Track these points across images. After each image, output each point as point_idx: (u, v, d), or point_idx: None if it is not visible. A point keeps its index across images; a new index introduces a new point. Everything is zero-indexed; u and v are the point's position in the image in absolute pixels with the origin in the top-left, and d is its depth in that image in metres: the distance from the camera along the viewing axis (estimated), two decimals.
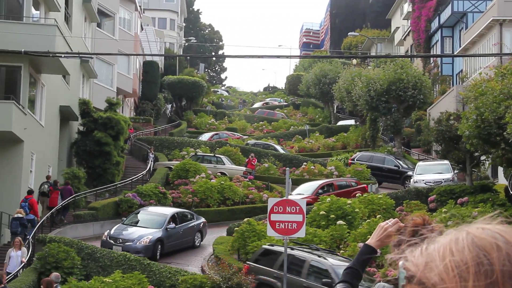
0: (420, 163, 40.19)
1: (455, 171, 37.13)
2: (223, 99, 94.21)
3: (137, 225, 27.02)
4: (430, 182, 35.47)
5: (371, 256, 3.99)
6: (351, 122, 64.03)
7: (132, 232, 26.21)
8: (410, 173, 40.42)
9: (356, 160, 43.96)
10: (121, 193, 34.20)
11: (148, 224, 26.87)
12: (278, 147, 50.40)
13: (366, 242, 4.03)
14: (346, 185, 35.45)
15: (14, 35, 27.76)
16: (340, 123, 65.54)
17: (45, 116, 32.08)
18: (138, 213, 28.62)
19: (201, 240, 29.74)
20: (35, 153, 30.37)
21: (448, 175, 36.31)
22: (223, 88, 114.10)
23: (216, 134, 57.16)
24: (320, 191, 34.17)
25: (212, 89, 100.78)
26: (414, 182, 36.82)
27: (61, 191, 30.55)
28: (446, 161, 38.25)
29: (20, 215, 24.92)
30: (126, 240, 25.31)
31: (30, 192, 27.60)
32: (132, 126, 48.55)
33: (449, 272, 1.48)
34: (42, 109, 31.73)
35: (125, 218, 28.19)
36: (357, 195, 32.13)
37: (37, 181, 30.07)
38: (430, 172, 37.26)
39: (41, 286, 17.04)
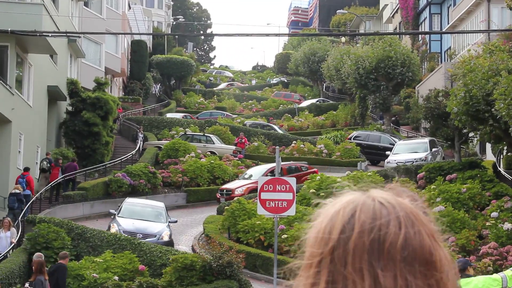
0: (399, 142, 40.07)
1: (434, 150, 36.92)
2: (212, 78, 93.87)
3: (139, 218, 25.24)
4: (402, 161, 35.24)
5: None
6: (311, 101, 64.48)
7: (147, 226, 24.70)
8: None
9: (353, 139, 43.78)
10: (110, 173, 34.13)
11: (151, 218, 25.46)
12: (276, 127, 50.27)
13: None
14: (295, 169, 33.95)
15: (0, 15, 27.45)
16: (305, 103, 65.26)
17: (33, 96, 31.86)
18: (131, 206, 26.41)
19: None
20: (23, 134, 30.19)
21: (421, 155, 35.98)
22: (212, 67, 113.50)
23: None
24: (269, 175, 32.97)
25: (206, 69, 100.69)
26: (387, 162, 36.56)
27: (67, 167, 31.58)
28: (425, 140, 38.28)
29: (17, 191, 25.40)
30: (147, 235, 24.06)
31: (27, 169, 28.00)
32: (121, 106, 48.32)
33: (310, 236, 1.52)
34: (29, 89, 31.49)
35: (114, 211, 25.80)
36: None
37: (26, 162, 29.92)
38: (406, 151, 37.04)
39: (32, 267, 17.00)
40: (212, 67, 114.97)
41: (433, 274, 1.43)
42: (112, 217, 25.71)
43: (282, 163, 34.25)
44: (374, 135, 44.27)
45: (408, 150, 37.31)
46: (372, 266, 1.42)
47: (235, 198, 28.11)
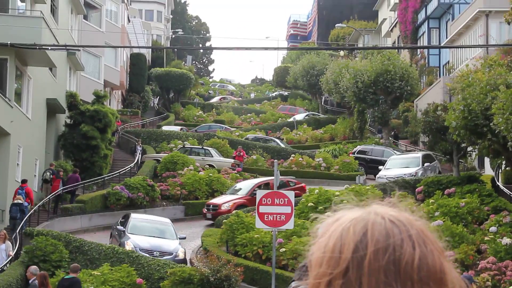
0: (392, 157, 39.78)
1: (426, 165, 36.52)
2: (211, 91, 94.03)
3: (151, 235, 24.74)
4: (391, 177, 34.90)
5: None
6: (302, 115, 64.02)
7: (161, 244, 24.30)
8: None
9: (357, 153, 43.49)
10: (109, 186, 34.08)
11: (161, 235, 24.97)
12: (278, 141, 50.14)
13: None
14: (283, 184, 32.43)
15: None
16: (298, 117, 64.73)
17: (32, 109, 31.89)
18: (139, 222, 25.80)
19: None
20: (22, 146, 30.20)
21: (412, 170, 35.66)
22: (211, 80, 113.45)
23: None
24: (256, 190, 32.63)
25: (206, 83, 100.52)
26: (378, 178, 36.20)
27: (69, 179, 32.20)
28: (418, 154, 38.06)
29: (19, 201, 25.96)
30: (164, 253, 23.73)
31: (24, 181, 28.30)
32: (119, 119, 48.37)
33: (315, 256, 1.49)
34: (28, 101, 31.52)
35: (120, 226, 25.36)
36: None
37: (24, 174, 29.91)
38: (398, 166, 36.73)
39: (29, 280, 16.87)
40: (211, 80, 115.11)
41: None
42: (117, 233, 25.13)
43: (270, 178, 33.49)
44: (378, 149, 43.99)
45: (400, 165, 37.00)
46: (390, 286, 1.41)
47: (230, 214, 27.83)
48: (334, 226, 1.51)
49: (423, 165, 36.51)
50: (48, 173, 31.71)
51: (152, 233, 24.94)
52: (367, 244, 1.44)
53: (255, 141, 48.26)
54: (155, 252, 23.62)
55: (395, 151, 43.05)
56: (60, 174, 31.87)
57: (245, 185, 33.50)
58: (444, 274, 1.45)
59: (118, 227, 25.66)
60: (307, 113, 66.68)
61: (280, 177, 35.06)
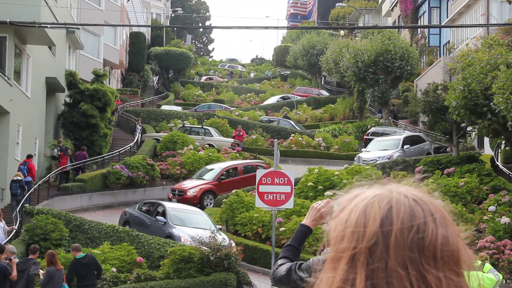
0: (376, 138, 39.07)
1: (406, 147, 35.59)
2: (212, 71, 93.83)
3: (196, 226, 23.08)
4: (366, 160, 34.37)
5: (307, 234, 4.34)
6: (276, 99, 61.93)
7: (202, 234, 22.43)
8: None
9: (370, 135, 42.22)
10: (108, 165, 34.14)
11: (204, 225, 23.10)
12: (293, 122, 49.56)
13: (302, 222, 4.39)
14: (251, 169, 31.69)
15: None
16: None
17: (31, 87, 31.82)
18: (177, 212, 24.26)
19: None
20: (21, 125, 30.18)
21: (389, 152, 35.00)
22: (224, 60, 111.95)
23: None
24: (223, 176, 31.37)
25: (219, 64, 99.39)
26: (354, 160, 35.35)
27: (76, 156, 32.66)
28: (400, 137, 37.59)
29: (19, 178, 26.04)
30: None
31: (29, 156, 28.67)
32: (119, 98, 48.29)
33: (336, 230, 1.52)
34: (28, 80, 31.45)
35: (161, 218, 23.70)
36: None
37: (24, 153, 29.92)
38: (378, 148, 36.13)
39: (44, 259, 16.68)
40: (210, 60, 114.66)
41: (462, 273, 1.49)
42: (150, 222, 23.94)
43: (237, 162, 33.31)
44: (389, 130, 43.27)
45: (380, 147, 36.35)
46: (416, 262, 1.44)
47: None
48: (354, 201, 1.53)
49: (402, 147, 35.88)
50: (55, 150, 32.18)
51: (195, 223, 23.42)
52: (392, 221, 1.46)
53: (269, 124, 47.58)
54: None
55: (406, 131, 42.12)
56: (68, 151, 32.35)
57: (213, 170, 32.09)
58: (460, 255, 1.50)
59: (147, 216, 24.21)
60: (282, 95, 63.98)
61: (249, 161, 34.19)
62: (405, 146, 36.10)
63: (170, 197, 30.46)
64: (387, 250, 1.44)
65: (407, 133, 39.48)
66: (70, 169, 32.49)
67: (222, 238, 21.23)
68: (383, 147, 36.40)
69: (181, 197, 29.73)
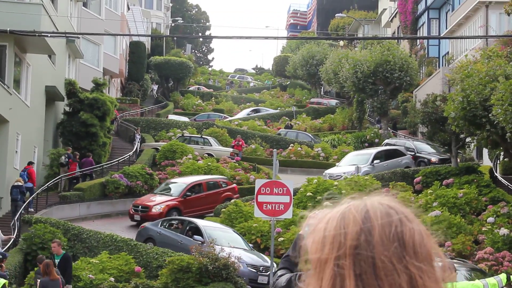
0: (353, 152, 38.63)
1: (376, 162, 34.88)
2: (211, 80, 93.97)
3: (237, 246, 21.92)
4: (332, 175, 33.67)
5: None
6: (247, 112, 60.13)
7: (258, 258, 21.84)
8: (426, 156, 37.86)
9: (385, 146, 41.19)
10: (107, 174, 34.10)
11: (240, 245, 22.31)
12: (311, 136, 48.52)
13: (299, 232, 4.33)
14: (215, 185, 30.98)
15: None
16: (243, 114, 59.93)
17: (31, 96, 31.83)
18: (213, 230, 23.15)
19: None
20: (20, 134, 30.17)
21: (352, 168, 34.01)
22: (234, 72, 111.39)
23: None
24: (189, 192, 29.95)
25: (230, 75, 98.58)
26: (323, 175, 34.03)
27: (83, 163, 33.14)
28: (372, 151, 36.89)
29: (19, 183, 26.54)
30: (267, 268, 20.96)
31: (30, 163, 29.35)
32: (118, 107, 48.31)
33: (316, 240, 1.54)
34: (27, 89, 31.46)
35: (198, 237, 22.40)
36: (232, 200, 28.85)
37: (23, 162, 29.91)
38: (349, 163, 35.51)
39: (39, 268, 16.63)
40: (210, 69, 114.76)
41: (434, 270, 1.53)
42: (182, 241, 22.78)
43: (202, 178, 31.73)
44: (401, 142, 42.28)
45: (351, 161, 35.69)
46: (399, 256, 1.48)
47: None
48: (328, 215, 1.56)
49: (372, 162, 35.16)
50: (63, 157, 32.66)
51: (231, 242, 22.20)
52: (371, 219, 1.51)
53: (286, 137, 46.95)
54: (261, 268, 21.13)
55: (414, 143, 40.44)
56: (77, 158, 32.94)
57: (177, 185, 30.54)
58: (433, 250, 1.54)
59: (178, 234, 23.26)
60: (252, 108, 62.12)
61: (213, 176, 32.67)
62: (375, 161, 35.26)
63: (132, 213, 28.94)
64: (372, 247, 1.47)
65: (383, 148, 38.66)
66: (79, 175, 33.13)
67: (270, 262, 19.83)
68: (353, 161, 35.67)
69: (145, 214, 28.21)
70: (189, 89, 73.53)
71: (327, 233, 1.52)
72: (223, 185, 31.36)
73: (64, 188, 32.32)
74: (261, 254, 22.25)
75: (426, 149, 39.06)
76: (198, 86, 78.54)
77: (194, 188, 30.17)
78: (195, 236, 22.63)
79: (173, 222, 24.71)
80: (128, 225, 29.15)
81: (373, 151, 37.15)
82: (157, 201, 29.08)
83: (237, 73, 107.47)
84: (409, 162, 36.82)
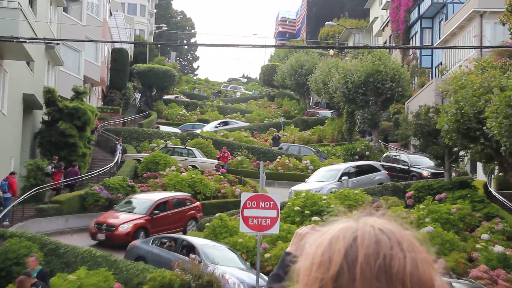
0: (322, 168, 38.51)
1: (344, 178, 34.62)
2: (196, 89, 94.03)
3: (235, 266, 21.46)
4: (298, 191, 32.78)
5: (293, 262, 4.14)
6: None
7: (252, 277, 20.50)
8: (416, 169, 37.70)
9: (382, 160, 40.56)
10: (87, 186, 33.90)
11: (239, 264, 21.78)
12: (313, 149, 47.90)
13: (286, 250, 4.33)
14: (180, 203, 30.08)
15: None
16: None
17: (8, 104, 31.60)
18: (210, 249, 22.61)
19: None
20: None
21: (320, 185, 33.64)
22: (227, 81, 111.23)
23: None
24: (156, 210, 28.71)
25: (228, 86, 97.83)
26: (289, 192, 33.74)
27: (68, 173, 33.01)
28: (341, 166, 36.63)
29: None
30: None
31: (12, 173, 29.27)
32: (99, 116, 48.14)
33: (304, 266, 1.54)
34: (4, 97, 31.24)
35: (194, 255, 21.72)
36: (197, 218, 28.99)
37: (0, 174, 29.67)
38: (317, 179, 35.31)
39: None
40: (195, 78, 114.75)
41: None
42: (174, 258, 21.76)
43: (168, 194, 30.90)
44: (403, 156, 41.81)
45: (319, 178, 35.47)
46: None
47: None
48: (322, 237, 1.55)
49: (340, 179, 34.82)
50: (49, 167, 32.60)
51: (228, 261, 21.60)
52: (357, 249, 1.47)
53: (287, 151, 46.47)
54: None
55: (410, 156, 40.04)
56: (62, 169, 32.79)
57: (140, 202, 29.28)
58: (433, 285, 1.49)
59: (172, 253, 22.65)
60: (220, 120, 60.78)
61: (177, 194, 31.72)
62: (343, 178, 34.92)
63: (94, 231, 27.64)
64: (353, 280, 1.44)
65: (355, 163, 38.38)
66: (64, 186, 33.01)
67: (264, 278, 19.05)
68: (321, 178, 35.44)
69: (111, 233, 27.08)
70: (165, 98, 73.07)
71: (315, 260, 1.50)
72: (188, 203, 30.42)
73: (50, 198, 32.14)
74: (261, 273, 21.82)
75: (424, 163, 38.59)
76: (177, 96, 78.41)
77: (159, 206, 28.96)
78: (191, 255, 22.14)
79: (164, 240, 24.13)
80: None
81: (342, 166, 36.72)
82: (123, 220, 27.71)
83: (230, 83, 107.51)
84: (384, 178, 36.44)
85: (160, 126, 54.89)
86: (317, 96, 68.50)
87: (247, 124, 60.90)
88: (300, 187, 34.47)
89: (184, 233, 28.05)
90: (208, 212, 32.71)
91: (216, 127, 57.35)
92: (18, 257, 21.20)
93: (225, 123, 59.59)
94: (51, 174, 32.60)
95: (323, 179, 35.08)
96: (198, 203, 31.10)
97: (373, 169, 36.98)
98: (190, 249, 22.68)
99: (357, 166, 37.12)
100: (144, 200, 29.49)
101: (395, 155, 41.14)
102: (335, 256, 1.47)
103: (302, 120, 62.26)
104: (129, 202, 29.63)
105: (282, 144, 50.64)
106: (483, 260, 22.03)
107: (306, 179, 36.73)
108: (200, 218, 29.94)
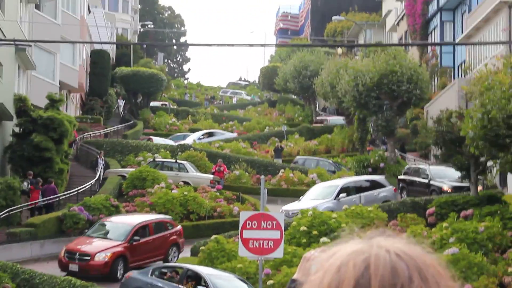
0: (319, 184, 38.63)
1: (341, 196, 34.67)
2: (188, 94, 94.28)
3: None
4: (289, 212, 33.30)
5: None
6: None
7: None
8: (437, 183, 37.01)
9: (403, 174, 40.26)
10: (64, 206, 33.86)
11: None
12: (330, 161, 47.75)
13: (293, 277, 4.32)
14: (161, 227, 29.44)
15: None
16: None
17: None
18: (217, 279, 22.14)
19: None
20: None
21: (316, 203, 33.51)
22: (226, 87, 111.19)
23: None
24: (135, 236, 27.84)
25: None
26: (280, 211, 32.89)
27: (44, 191, 32.87)
28: (339, 182, 36.69)
29: None
30: None
31: None
32: (78, 127, 48.18)
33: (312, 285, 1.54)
34: None
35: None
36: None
37: None
38: (313, 196, 35.31)
39: None
40: (186, 82, 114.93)
41: None
42: None
43: (147, 217, 30.19)
44: (424, 167, 41.38)
45: (315, 195, 35.43)
46: None
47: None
48: (330, 261, 1.52)
49: (337, 197, 34.85)
50: (25, 184, 32.66)
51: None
52: (370, 279, 1.44)
53: (302, 165, 46.30)
54: None
55: (431, 168, 39.33)
56: (39, 185, 32.88)
57: (117, 227, 28.43)
58: None
59: (175, 285, 22.35)
60: (204, 131, 60.38)
61: (157, 216, 31.06)
62: (340, 195, 34.96)
63: (65, 261, 26.69)
64: None
65: (356, 178, 38.27)
66: (42, 205, 33.02)
67: None
68: (317, 195, 35.38)
69: (86, 264, 26.23)
70: (152, 105, 72.99)
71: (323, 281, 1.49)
72: (169, 227, 29.73)
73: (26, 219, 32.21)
74: None
75: (448, 176, 37.82)
76: (164, 103, 78.46)
77: (138, 231, 28.13)
78: (199, 287, 21.84)
79: (164, 270, 23.81)
80: None
81: (340, 182, 36.67)
82: (99, 247, 26.82)
83: (230, 88, 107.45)
84: (390, 195, 36.48)
85: (153, 137, 54.62)
86: (324, 101, 68.58)
87: (234, 135, 60.69)
88: (292, 206, 34.55)
89: (166, 262, 27.84)
90: (203, 234, 32.69)
91: (199, 139, 56.84)
92: None
93: (210, 134, 59.24)
94: (27, 191, 32.54)
95: (318, 197, 35.09)
96: (179, 226, 30.31)
97: (376, 185, 37.04)
98: (196, 280, 22.26)
99: (357, 182, 37.17)
100: (121, 224, 28.65)
101: (417, 167, 41.03)
102: (344, 285, 1.45)
103: (307, 128, 62.30)
104: (103, 227, 28.84)
105: (297, 157, 50.39)
106: None
107: (300, 197, 36.69)
108: (182, 244, 29.62)
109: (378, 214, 30.01)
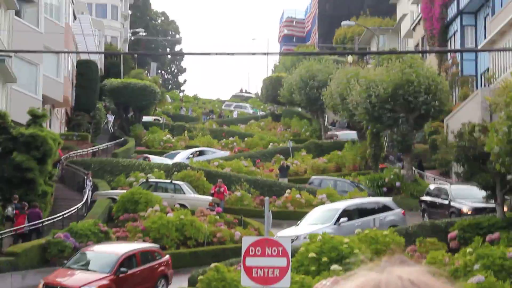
0: (319, 207, 38.55)
1: (342, 220, 34.54)
2: (184, 108, 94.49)
3: None
4: (285, 238, 33.04)
5: None
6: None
7: None
8: (456, 204, 37.08)
9: (424, 197, 40.61)
10: (49, 233, 33.82)
11: None
12: (348, 181, 47.62)
13: None
14: (148, 257, 28.98)
15: None
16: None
17: None
18: None
19: None
20: None
21: (314, 228, 33.41)
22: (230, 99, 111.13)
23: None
24: (122, 267, 27.24)
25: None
26: (275, 236, 32.42)
27: (29, 214, 33.11)
28: (340, 205, 36.64)
29: None
30: None
31: None
32: (61, 146, 48.21)
33: None
34: None
35: None
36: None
37: None
38: (312, 221, 35.22)
39: None
40: (181, 95, 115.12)
41: None
42: None
43: (133, 246, 29.66)
44: (443, 186, 41.27)
45: (314, 220, 35.34)
46: None
47: None
48: None
49: (337, 221, 34.72)
50: (10, 209, 32.82)
51: None
52: None
53: (318, 187, 46.04)
54: None
55: (452, 187, 39.02)
56: (25, 210, 33.06)
57: (100, 257, 27.98)
58: None
59: None
60: (194, 149, 60.33)
61: (144, 245, 30.74)
62: (341, 220, 34.79)
63: None
64: None
65: (360, 200, 38.18)
66: (28, 231, 33.24)
67: None
68: (316, 220, 35.26)
69: None
70: (144, 120, 73.19)
71: None
72: (157, 257, 29.32)
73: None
74: None
75: (471, 195, 37.49)
76: (156, 118, 78.53)
77: (124, 261, 27.69)
78: None
79: None
80: None
81: (341, 205, 36.59)
82: (83, 281, 26.09)
83: (232, 102, 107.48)
84: (398, 219, 36.34)
85: (151, 156, 54.51)
86: (333, 114, 68.66)
87: (227, 153, 60.71)
88: (288, 232, 34.47)
89: None
90: (202, 262, 32.63)
91: (188, 158, 56.50)
92: None
93: (201, 153, 59.26)
94: (12, 217, 32.59)
95: (317, 222, 34.98)
96: (167, 256, 29.95)
97: (383, 208, 36.88)
98: None
99: (361, 204, 37.07)
100: (105, 254, 28.09)
101: (438, 187, 40.87)
102: None
103: (315, 144, 62.30)
104: (84, 257, 28.26)
105: (313, 177, 50.13)
106: None
107: (298, 221, 36.57)
108: (171, 276, 29.50)
109: (395, 238, 29.89)
